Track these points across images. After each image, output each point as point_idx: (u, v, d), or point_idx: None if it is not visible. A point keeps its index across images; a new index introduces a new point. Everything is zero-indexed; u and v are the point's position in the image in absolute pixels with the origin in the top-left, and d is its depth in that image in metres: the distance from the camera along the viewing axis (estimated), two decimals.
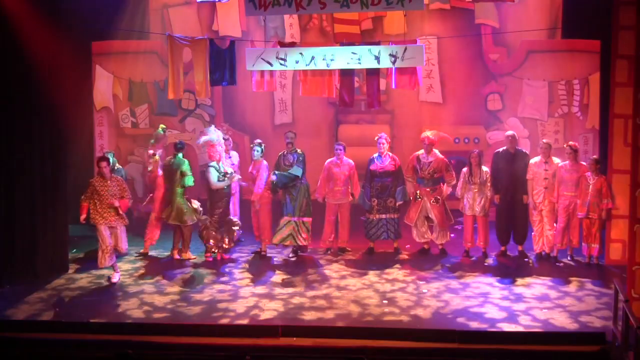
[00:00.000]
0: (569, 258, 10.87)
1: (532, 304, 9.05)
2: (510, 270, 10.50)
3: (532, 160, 10.94)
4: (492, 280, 10.01)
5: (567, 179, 10.68)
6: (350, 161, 11.43)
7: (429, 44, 13.20)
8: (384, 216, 11.28)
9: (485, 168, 10.98)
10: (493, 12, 13.20)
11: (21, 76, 10.08)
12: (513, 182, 10.95)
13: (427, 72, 13.37)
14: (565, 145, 11.01)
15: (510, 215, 11.04)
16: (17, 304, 9.28)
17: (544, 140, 11.17)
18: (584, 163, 10.88)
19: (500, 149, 11.23)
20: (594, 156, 11.17)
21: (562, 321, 8.51)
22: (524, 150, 11.35)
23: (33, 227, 10.27)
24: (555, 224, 10.84)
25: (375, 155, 11.30)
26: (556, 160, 10.88)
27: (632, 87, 8.63)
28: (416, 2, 10.10)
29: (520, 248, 11.19)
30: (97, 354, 8.06)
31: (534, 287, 9.71)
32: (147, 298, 9.47)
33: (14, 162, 10.13)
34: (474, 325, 8.42)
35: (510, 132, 11.28)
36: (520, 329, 8.34)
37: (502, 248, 11.18)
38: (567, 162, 10.76)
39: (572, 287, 9.67)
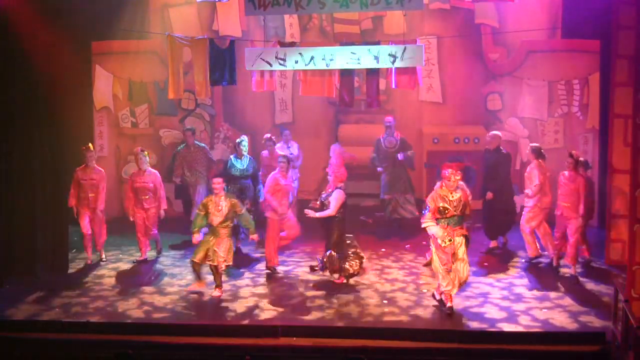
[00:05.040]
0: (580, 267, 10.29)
1: (532, 304, 9.05)
2: (509, 270, 10.50)
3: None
4: (491, 280, 10.01)
5: (564, 189, 10.11)
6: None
7: (428, 44, 13.19)
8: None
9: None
10: (493, 12, 13.20)
11: (21, 76, 10.07)
12: (490, 180, 11.03)
13: (427, 72, 13.36)
14: (568, 154, 10.29)
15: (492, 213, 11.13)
16: (17, 304, 9.28)
17: (531, 144, 11.11)
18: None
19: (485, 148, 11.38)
20: (572, 151, 10.52)
21: (562, 321, 8.52)
22: (504, 151, 11.27)
23: (33, 227, 10.27)
24: (553, 233, 10.46)
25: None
26: (546, 165, 10.62)
27: (632, 87, 8.63)
28: (416, 1, 10.11)
29: (492, 244, 11.23)
30: (97, 354, 8.08)
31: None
32: (147, 298, 9.48)
33: (14, 162, 10.13)
34: (474, 325, 8.43)
35: (493, 132, 11.38)
36: (520, 329, 8.35)
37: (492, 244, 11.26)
38: (566, 172, 10.16)
39: (572, 287, 9.67)
